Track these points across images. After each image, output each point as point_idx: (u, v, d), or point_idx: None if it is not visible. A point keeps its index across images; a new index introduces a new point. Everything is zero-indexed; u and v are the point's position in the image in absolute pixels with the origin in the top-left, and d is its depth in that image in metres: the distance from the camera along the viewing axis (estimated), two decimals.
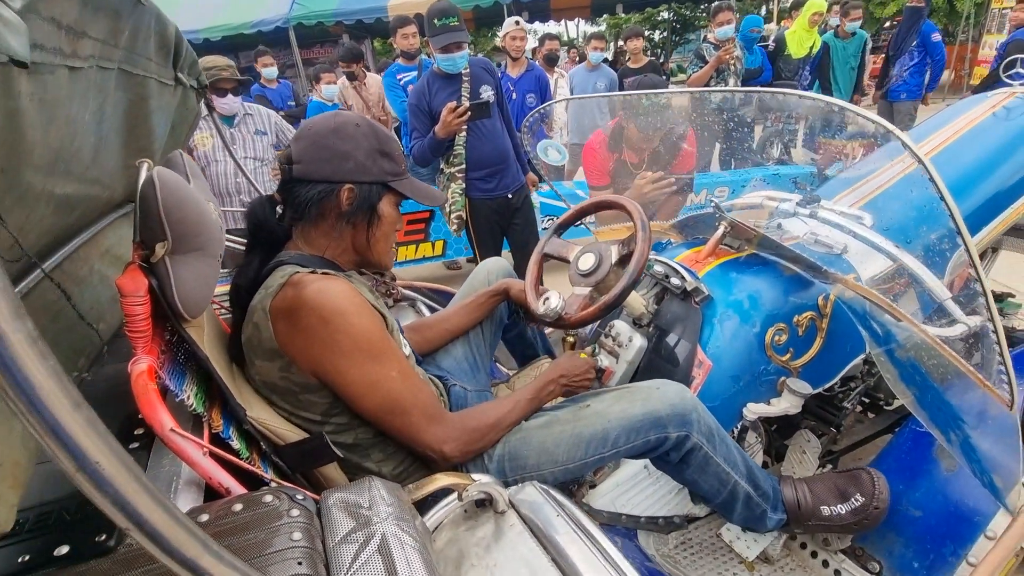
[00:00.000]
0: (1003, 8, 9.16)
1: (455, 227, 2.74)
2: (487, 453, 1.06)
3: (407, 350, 1.13)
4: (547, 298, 1.19)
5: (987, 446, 1.08)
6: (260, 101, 4.36)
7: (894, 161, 1.46)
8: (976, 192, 1.58)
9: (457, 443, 1.00)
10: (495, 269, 1.56)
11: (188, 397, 0.79)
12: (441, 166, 2.69)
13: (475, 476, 0.93)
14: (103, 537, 0.60)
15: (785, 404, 1.29)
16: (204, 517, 0.64)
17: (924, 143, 1.70)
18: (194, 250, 0.78)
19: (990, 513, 1.10)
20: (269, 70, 5.24)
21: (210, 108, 1.46)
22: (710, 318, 1.33)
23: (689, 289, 1.34)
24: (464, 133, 2.49)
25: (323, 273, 0.94)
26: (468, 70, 2.46)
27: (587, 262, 1.26)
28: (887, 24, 11.85)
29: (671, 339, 1.36)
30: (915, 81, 4.88)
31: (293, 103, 5.44)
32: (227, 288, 1.04)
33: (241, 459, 0.84)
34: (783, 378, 1.31)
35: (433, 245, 4.13)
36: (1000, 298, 2.04)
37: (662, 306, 1.42)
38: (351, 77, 4.32)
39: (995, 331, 0.90)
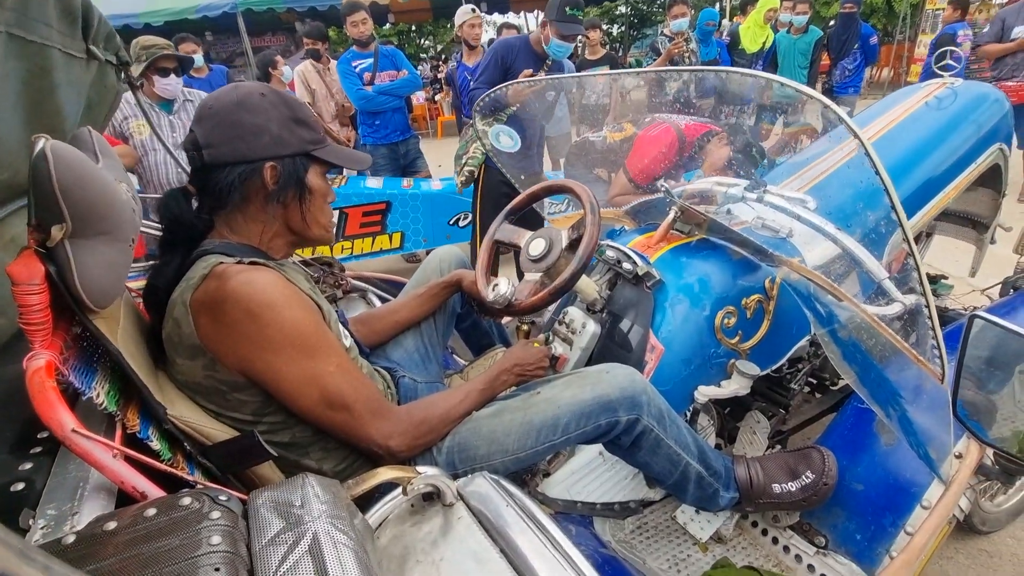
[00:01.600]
0: (936, 9, 9.68)
1: (463, 179, 2.79)
2: (436, 446, 1.02)
3: (348, 342, 1.08)
4: (496, 284, 1.16)
5: (922, 419, 1.12)
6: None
7: (838, 147, 1.50)
8: (910, 178, 1.64)
9: (404, 437, 0.96)
10: (447, 258, 1.52)
11: (98, 395, 0.72)
12: (475, 119, 2.66)
13: (422, 469, 0.89)
14: None
15: (735, 386, 1.30)
16: (111, 525, 0.58)
17: (864, 130, 1.75)
18: (100, 234, 0.71)
19: (925, 484, 1.15)
20: (195, 57, 4.61)
21: (133, 87, 1.35)
22: (662, 303, 1.33)
23: (641, 274, 1.34)
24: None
25: (250, 263, 0.88)
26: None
27: (537, 247, 1.24)
28: (831, 23, 12.35)
29: (624, 324, 1.35)
30: (858, 78, 5.20)
31: None
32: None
33: (163, 461, 0.78)
34: (733, 360, 1.32)
35: (391, 237, 4.04)
36: (934, 280, 2.14)
37: (615, 292, 1.41)
38: (315, 56, 4.12)
39: (928, 307, 0.92)
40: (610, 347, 1.35)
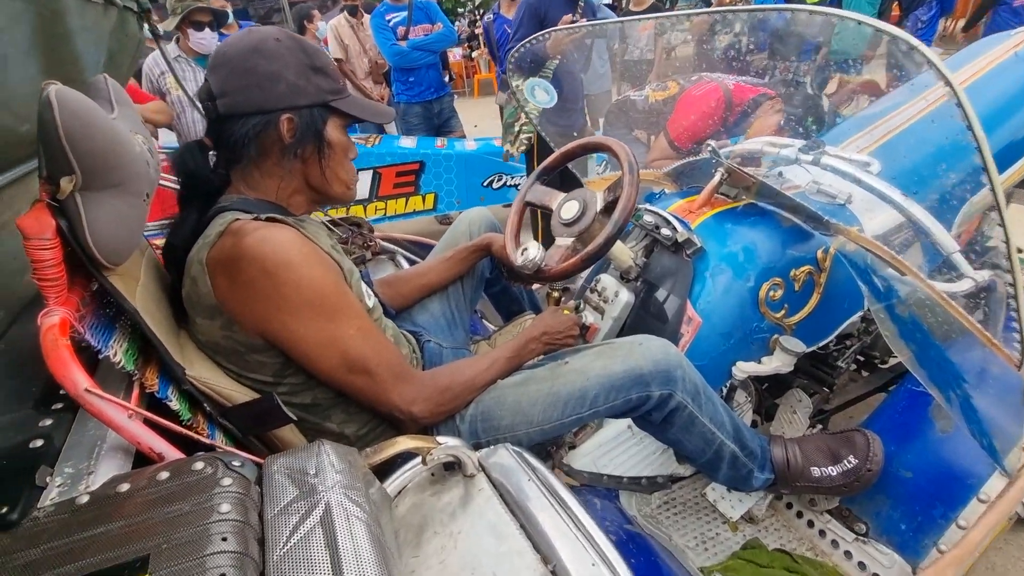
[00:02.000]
0: None
1: (522, 147, 2.74)
2: (459, 414, 1.00)
3: (371, 301, 1.04)
4: (526, 249, 1.10)
5: (988, 406, 1.02)
6: None
7: (913, 101, 1.35)
8: (994, 137, 1.47)
9: (427, 403, 0.93)
10: (477, 220, 1.46)
11: (115, 354, 0.71)
12: (510, 76, 2.58)
13: (442, 439, 0.86)
14: (5, 510, 0.53)
15: (777, 363, 1.22)
16: (124, 487, 0.57)
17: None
18: (111, 186, 0.68)
19: (984, 476, 1.06)
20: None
21: (156, 37, 1.31)
22: (702, 272, 1.25)
23: (680, 240, 1.25)
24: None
25: (268, 219, 0.85)
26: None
27: (570, 210, 1.17)
28: None
29: (660, 294, 1.28)
30: (931, 30, 4.78)
31: None
32: None
33: (182, 422, 0.77)
34: (776, 336, 1.24)
35: (424, 198, 3.99)
36: None
37: (651, 259, 1.33)
38: (352, 12, 4.01)
39: (1015, 285, 0.81)
40: (644, 318, 1.29)
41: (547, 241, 1.19)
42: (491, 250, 1.34)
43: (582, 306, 1.35)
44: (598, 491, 1.20)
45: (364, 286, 1.05)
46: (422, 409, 0.93)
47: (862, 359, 1.63)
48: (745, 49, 1.92)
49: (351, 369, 0.87)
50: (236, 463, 0.62)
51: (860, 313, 1.35)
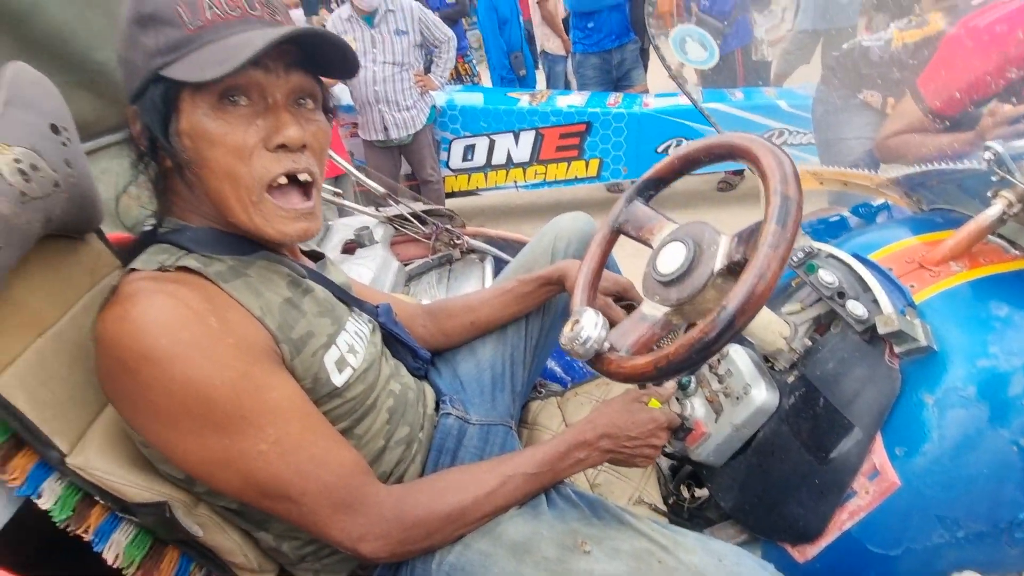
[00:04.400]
0: None
1: None
2: (438, 554, 0.67)
3: (356, 364, 0.72)
4: (577, 320, 0.68)
5: None
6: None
7: None
8: None
9: (382, 542, 0.63)
10: (567, 234, 1.06)
11: None
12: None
13: None
14: None
15: None
16: None
17: None
18: None
19: None
20: None
21: None
22: (918, 390, 0.68)
23: (885, 328, 0.69)
24: None
25: (178, 269, 0.60)
26: None
27: (672, 259, 0.70)
28: None
29: (826, 410, 0.74)
30: None
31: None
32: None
33: (58, 521, 0.61)
34: None
35: (587, 164, 3.56)
36: None
37: (823, 343, 0.79)
38: None
39: None
40: (786, 444, 0.77)
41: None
42: (565, 286, 0.94)
43: (690, 386, 0.89)
44: None
45: (356, 339, 0.75)
46: (374, 549, 0.63)
47: None
48: None
49: (263, 495, 0.61)
50: None
51: None
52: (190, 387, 0.55)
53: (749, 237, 0.62)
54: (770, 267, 0.56)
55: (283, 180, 0.62)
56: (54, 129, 0.66)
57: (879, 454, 0.69)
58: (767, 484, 0.79)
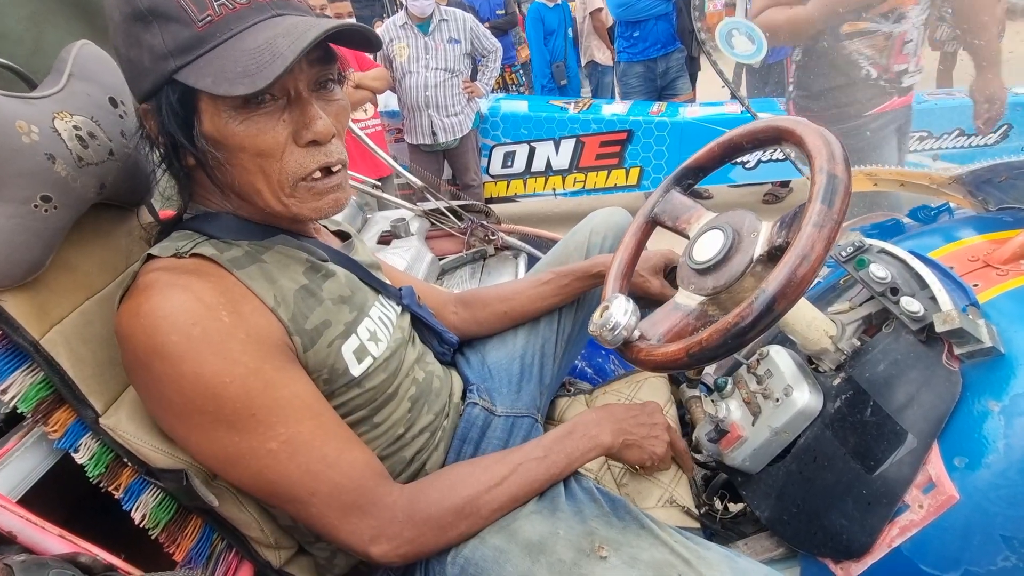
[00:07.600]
0: None
1: None
2: (454, 550, 0.65)
3: (379, 350, 0.71)
4: (607, 307, 0.66)
5: None
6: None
7: None
8: None
9: (395, 543, 0.61)
10: (604, 227, 1.04)
11: (7, 389, 0.58)
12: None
13: None
14: None
15: None
16: None
17: None
18: None
19: None
20: None
21: None
22: (982, 396, 0.62)
23: (944, 326, 0.63)
24: None
25: (193, 256, 0.61)
26: None
27: (710, 246, 0.67)
28: None
29: (873, 414, 0.69)
30: None
31: (502, 11, 4.52)
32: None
33: (92, 476, 0.63)
34: None
35: (627, 172, 3.52)
36: None
37: (874, 343, 0.73)
38: None
39: None
40: (830, 448, 0.72)
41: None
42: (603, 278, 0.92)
43: (726, 387, 0.84)
44: None
45: (379, 325, 0.74)
46: (386, 551, 0.61)
47: None
48: None
49: (273, 493, 0.60)
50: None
51: None
52: (200, 383, 0.56)
53: (792, 221, 0.59)
54: (814, 248, 0.52)
55: (317, 175, 0.61)
56: (112, 102, 0.70)
57: (935, 465, 0.63)
58: (808, 493, 0.74)
